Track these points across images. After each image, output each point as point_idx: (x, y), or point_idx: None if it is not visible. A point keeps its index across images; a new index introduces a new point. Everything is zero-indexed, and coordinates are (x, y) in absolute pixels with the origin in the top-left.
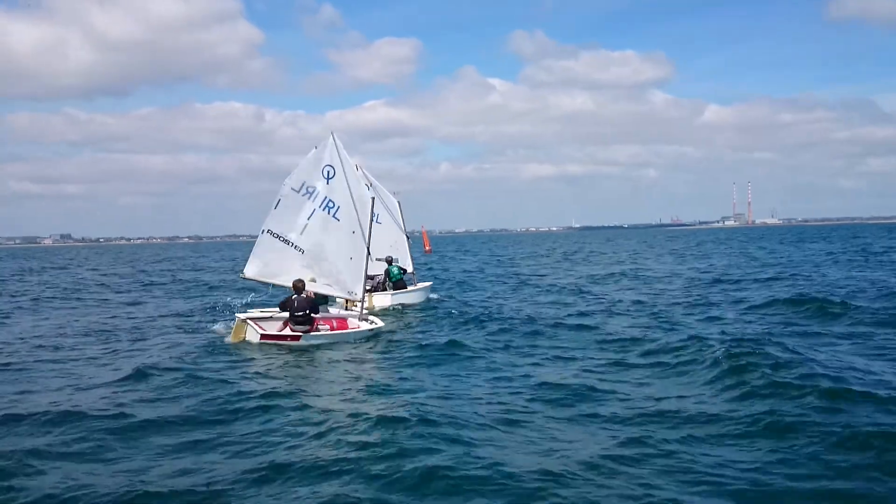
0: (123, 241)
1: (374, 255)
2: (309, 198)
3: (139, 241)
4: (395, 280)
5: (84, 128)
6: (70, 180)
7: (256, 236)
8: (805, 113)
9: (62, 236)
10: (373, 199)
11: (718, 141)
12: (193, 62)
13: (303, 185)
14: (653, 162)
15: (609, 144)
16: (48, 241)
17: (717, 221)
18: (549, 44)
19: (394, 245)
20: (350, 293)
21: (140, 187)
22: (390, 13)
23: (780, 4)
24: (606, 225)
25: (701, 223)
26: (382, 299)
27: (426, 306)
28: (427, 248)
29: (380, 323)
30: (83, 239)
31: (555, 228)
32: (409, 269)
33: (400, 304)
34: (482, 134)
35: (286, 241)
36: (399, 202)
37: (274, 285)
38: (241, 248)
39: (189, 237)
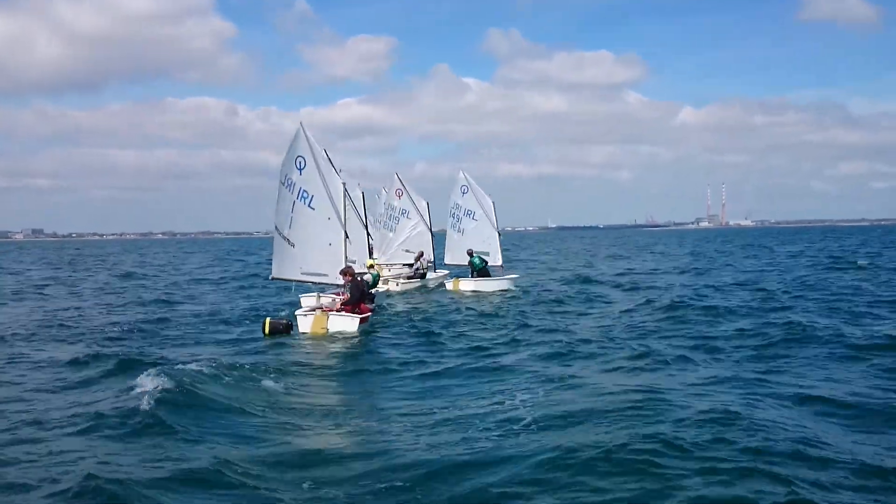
0: (96, 237)
1: (465, 248)
2: (289, 190)
3: (112, 237)
4: (478, 269)
5: (55, 122)
6: (41, 175)
7: (233, 233)
8: (777, 115)
9: (34, 231)
10: (343, 184)
11: (692, 142)
12: (165, 57)
13: (285, 177)
14: (627, 163)
15: (583, 144)
16: (19, 236)
17: (692, 223)
18: (524, 43)
19: (486, 241)
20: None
21: (112, 182)
22: (365, 9)
23: (753, 7)
24: (582, 225)
25: (676, 224)
26: (467, 284)
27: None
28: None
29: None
30: (54, 234)
31: (531, 228)
32: (499, 262)
33: (480, 289)
34: (457, 133)
35: (283, 237)
36: (493, 202)
37: (296, 283)
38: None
39: (163, 233)
